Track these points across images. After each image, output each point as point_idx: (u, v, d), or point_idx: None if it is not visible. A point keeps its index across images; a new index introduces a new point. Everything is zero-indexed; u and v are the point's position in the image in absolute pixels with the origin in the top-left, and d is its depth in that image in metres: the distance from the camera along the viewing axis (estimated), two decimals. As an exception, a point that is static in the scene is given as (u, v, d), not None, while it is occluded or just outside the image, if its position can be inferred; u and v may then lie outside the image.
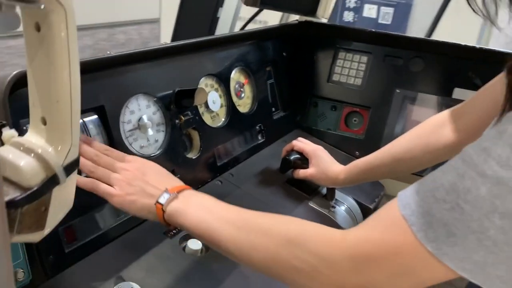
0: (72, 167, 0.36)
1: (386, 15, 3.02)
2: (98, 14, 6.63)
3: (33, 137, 0.34)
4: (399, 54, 1.18)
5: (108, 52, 0.85)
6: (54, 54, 0.31)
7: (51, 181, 0.34)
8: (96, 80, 0.75)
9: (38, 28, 0.31)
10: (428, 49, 1.15)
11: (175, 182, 0.66)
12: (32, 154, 0.33)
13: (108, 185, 0.63)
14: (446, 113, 0.82)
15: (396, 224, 0.43)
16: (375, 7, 3.06)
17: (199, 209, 0.60)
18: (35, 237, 0.36)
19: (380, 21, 3.07)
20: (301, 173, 1.00)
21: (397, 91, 1.18)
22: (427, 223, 0.40)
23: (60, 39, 0.31)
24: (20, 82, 0.59)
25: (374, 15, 3.08)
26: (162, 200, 0.61)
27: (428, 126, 0.84)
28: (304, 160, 1.01)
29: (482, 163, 0.38)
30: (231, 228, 0.56)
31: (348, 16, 3.17)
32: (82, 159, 0.63)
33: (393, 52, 1.18)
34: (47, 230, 0.36)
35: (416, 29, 2.77)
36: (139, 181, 0.63)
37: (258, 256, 0.54)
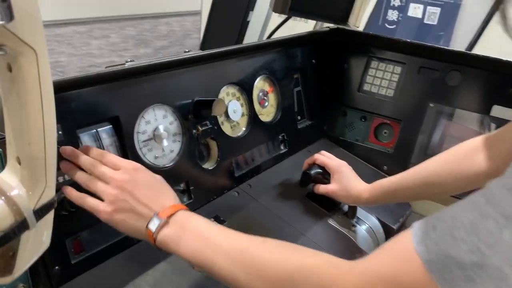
0: (45, 210, 0.34)
1: (432, 15, 2.88)
2: (142, 4, 6.76)
3: (9, 176, 0.33)
4: (436, 66, 1.11)
5: (128, 60, 0.85)
6: (25, 95, 0.30)
7: (20, 226, 0.33)
8: (111, 91, 0.75)
9: (10, 69, 0.30)
10: (467, 62, 1.07)
11: (167, 200, 0.61)
12: (3, 197, 0.32)
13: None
14: (480, 139, 0.77)
15: (409, 260, 0.40)
16: (421, 6, 2.93)
17: (191, 236, 0.56)
18: (4, 281, 0.35)
19: (425, 21, 2.94)
20: (322, 188, 0.97)
21: (431, 105, 1.11)
22: (442, 263, 0.37)
23: (31, 81, 0.29)
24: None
25: (419, 15, 2.94)
26: (152, 226, 0.57)
27: (461, 151, 0.79)
28: (325, 175, 0.97)
29: (507, 205, 0.35)
30: (225, 259, 0.53)
31: (392, 15, 3.05)
32: (78, 172, 0.62)
33: (429, 64, 1.12)
34: (17, 274, 0.35)
35: (463, 32, 2.62)
36: (127, 194, 0.59)
37: None
